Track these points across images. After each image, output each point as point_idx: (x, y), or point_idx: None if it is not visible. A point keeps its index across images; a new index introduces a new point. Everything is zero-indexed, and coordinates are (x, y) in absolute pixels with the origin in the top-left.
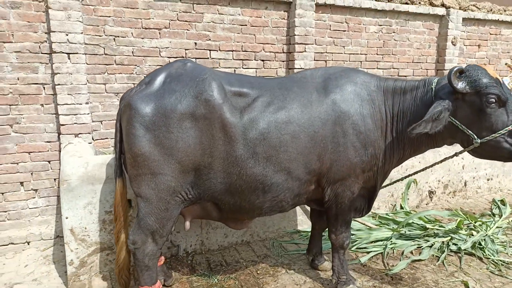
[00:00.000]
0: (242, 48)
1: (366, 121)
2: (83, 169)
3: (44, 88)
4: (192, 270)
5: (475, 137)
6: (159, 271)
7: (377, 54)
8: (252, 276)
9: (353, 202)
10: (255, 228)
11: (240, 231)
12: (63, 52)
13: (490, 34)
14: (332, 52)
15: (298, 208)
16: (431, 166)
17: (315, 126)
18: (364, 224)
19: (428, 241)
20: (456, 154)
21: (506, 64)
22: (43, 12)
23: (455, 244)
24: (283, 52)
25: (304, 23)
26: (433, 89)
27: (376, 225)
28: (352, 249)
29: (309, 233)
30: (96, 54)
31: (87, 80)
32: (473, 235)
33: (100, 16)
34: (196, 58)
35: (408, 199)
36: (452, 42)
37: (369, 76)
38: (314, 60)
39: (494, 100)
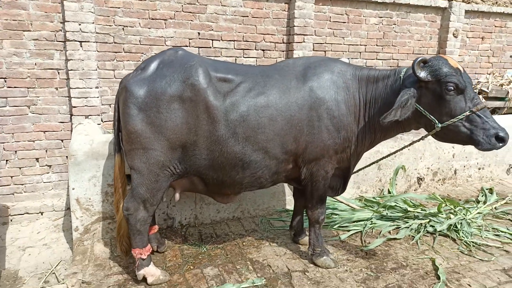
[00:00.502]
0: (243, 38)
1: (340, 106)
2: (89, 146)
3: (58, 73)
4: (185, 240)
5: (437, 122)
6: (153, 238)
7: (376, 45)
8: (237, 247)
9: (328, 181)
10: (245, 205)
11: (232, 207)
12: (76, 40)
13: (495, 26)
14: (332, 43)
15: (287, 189)
16: (398, 151)
17: (292, 110)
18: (348, 205)
19: (407, 222)
20: (422, 138)
21: (510, 56)
22: (59, 3)
23: (432, 226)
24: (283, 43)
25: (304, 15)
26: (401, 78)
27: (361, 207)
28: (335, 227)
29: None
30: (106, 43)
31: (98, 66)
32: (450, 219)
33: (111, 7)
34: (199, 48)
35: (396, 184)
36: (453, 34)
37: (346, 66)
38: (314, 50)
39: (452, 88)
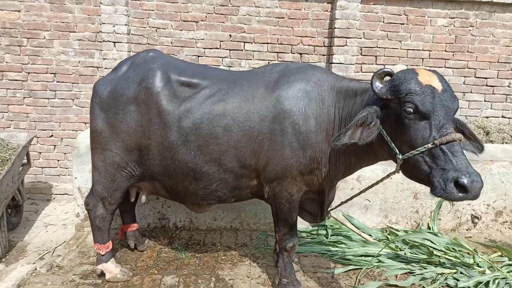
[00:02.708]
0: (278, 41)
1: (309, 121)
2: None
3: (98, 70)
4: (170, 243)
5: (397, 151)
6: (130, 236)
7: (445, 51)
8: (215, 260)
9: (294, 205)
10: (245, 217)
11: (229, 217)
12: (110, 41)
13: None
14: (385, 47)
15: None
16: (365, 190)
17: (252, 121)
18: (360, 235)
19: (425, 268)
20: (388, 175)
21: None
22: (99, 6)
23: (456, 280)
24: (324, 46)
25: (347, 15)
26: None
27: (378, 240)
28: (334, 258)
29: (300, 232)
30: (141, 44)
31: None
32: (485, 274)
33: (145, 9)
34: (230, 50)
35: (439, 219)
36: None
37: (327, 75)
38: (362, 55)
39: (411, 111)
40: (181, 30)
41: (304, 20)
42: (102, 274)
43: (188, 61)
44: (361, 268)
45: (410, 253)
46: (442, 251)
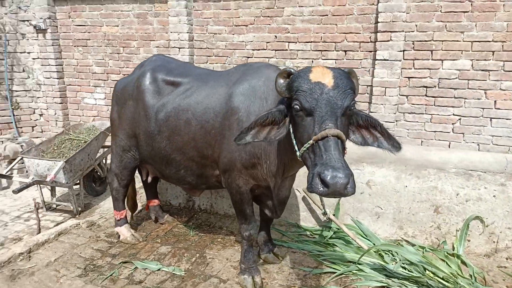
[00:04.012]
0: (321, 39)
1: (250, 118)
2: None
3: None
4: (187, 221)
5: (296, 148)
6: (152, 210)
7: None
8: (210, 240)
9: (243, 196)
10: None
11: None
12: (175, 47)
13: None
14: (443, 40)
15: (302, 204)
16: None
17: (208, 116)
18: (355, 240)
19: (405, 286)
20: None
21: None
22: (167, 18)
23: None
24: (370, 41)
25: (391, 8)
26: None
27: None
28: (319, 259)
29: (304, 230)
30: (201, 48)
31: None
32: None
33: (204, 18)
34: (275, 50)
35: (468, 240)
36: None
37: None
38: (414, 49)
39: (298, 108)
40: (233, 34)
41: (349, 16)
42: (119, 235)
43: (186, 63)
44: (334, 273)
45: (403, 266)
46: (434, 272)
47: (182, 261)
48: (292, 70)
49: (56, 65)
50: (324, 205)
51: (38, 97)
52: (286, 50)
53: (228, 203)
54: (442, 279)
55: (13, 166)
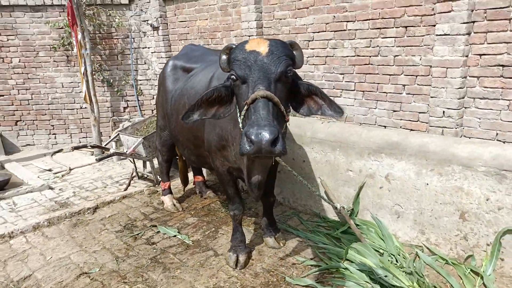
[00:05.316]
0: (379, 15)
1: None
2: None
3: None
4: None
5: (240, 122)
6: (197, 185)
7: None
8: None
9: (223, 177)
10: (286, 193)
11: (276, 191)
12: (246, 35)
13: None
14: None
15: (324, 195)
16: None
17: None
18: (360, 240)
19: None
20: None
21: None
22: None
23: None
24: (433, 14)
25: None
26: None
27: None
28: (318, 251)
29: (327, 222)
30: (269, 34)
31: None
32: None
33: (271, 4)
34: (334, 32)
35: (502, 259)
36: None
37: None
38: (487, 20)
39: (234, 77)
40: (295, 18)
41: None
42: (163, 203)
43: (213, 50)
44: (318, 266)
45: (395, 272)
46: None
47: (198, 232)
48: (232, 45)
49: (166, 58)
50: (331, 199)
51: (155, 85)
52: (345, 30)
53: None
54: None
55: (112, 139)
